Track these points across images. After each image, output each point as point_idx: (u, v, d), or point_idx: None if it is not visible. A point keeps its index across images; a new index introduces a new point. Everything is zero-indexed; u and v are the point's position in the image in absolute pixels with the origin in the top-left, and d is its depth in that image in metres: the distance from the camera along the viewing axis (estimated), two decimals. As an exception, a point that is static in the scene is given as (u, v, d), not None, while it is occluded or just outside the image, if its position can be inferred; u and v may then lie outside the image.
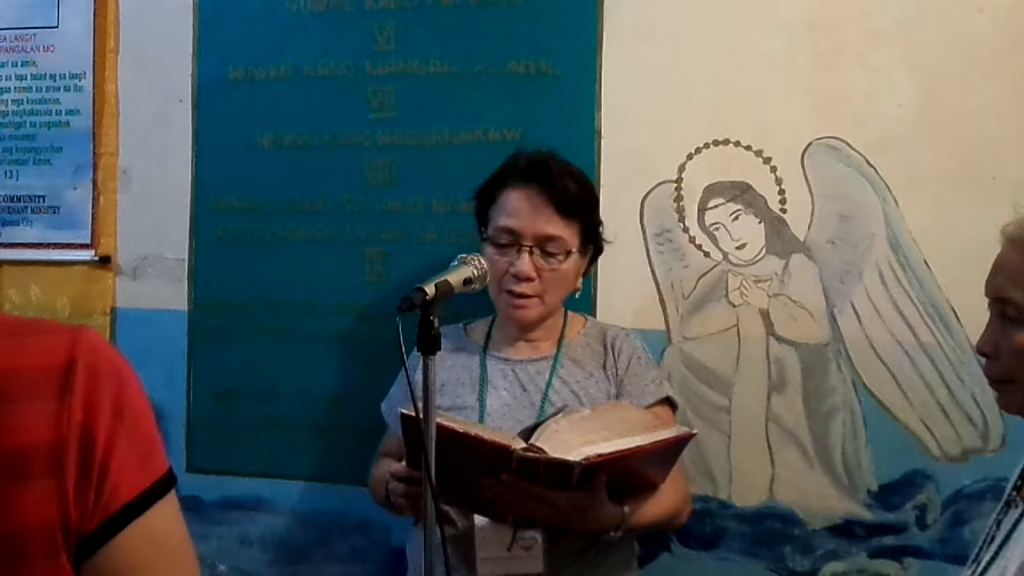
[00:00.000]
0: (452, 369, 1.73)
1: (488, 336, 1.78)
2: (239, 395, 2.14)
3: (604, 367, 1.71)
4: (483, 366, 1.73)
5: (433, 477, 1.29)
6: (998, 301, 1.14)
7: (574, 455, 1.40)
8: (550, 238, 1.64)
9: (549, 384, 1.68)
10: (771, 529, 1.90)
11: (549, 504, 1.46)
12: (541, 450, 1.40)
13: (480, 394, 1.69)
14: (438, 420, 1.45)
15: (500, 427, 1.59)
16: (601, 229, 1.76)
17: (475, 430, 1.46)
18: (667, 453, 1.52)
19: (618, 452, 1.42)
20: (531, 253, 1.64)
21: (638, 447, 1.42)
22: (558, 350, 1.72)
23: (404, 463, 1.57)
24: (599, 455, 1.40)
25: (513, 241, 1.65)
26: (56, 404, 0.76)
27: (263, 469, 2.13)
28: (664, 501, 1.60)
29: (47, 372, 0.77)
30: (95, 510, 0.76)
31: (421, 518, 1.61)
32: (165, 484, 0.81)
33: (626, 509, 1.52)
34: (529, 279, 1.65)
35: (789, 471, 1.89)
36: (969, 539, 1.77)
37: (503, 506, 1.49)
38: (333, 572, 2.11)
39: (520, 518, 1.51)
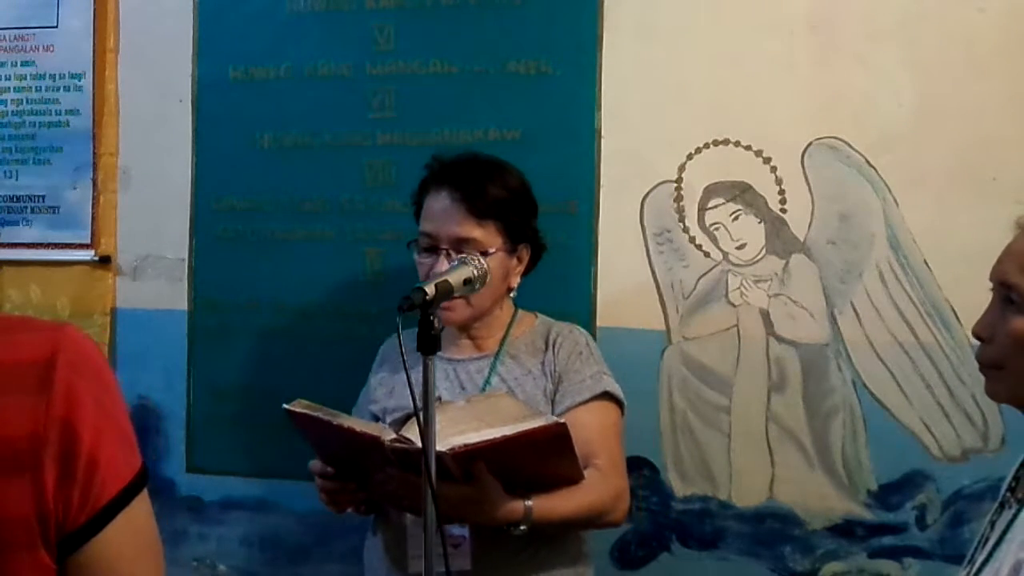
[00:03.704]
0: (403, 372, 1.72)
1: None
2: (239, 395, 2.14)
3: (543, 364, 1.69)
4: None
5: (434, 481, 1.29)
6: (1003, 286, 1.14)
7: (439, 445, 1.38)
8: (463, 240, 1.63)
9: (487, 382, 1.68)
10: (771, 529, 1.90)
11: (440, 497, 1.44)
12: (409, 440, 1.40)
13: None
14: (314, 413, 1.46)
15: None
16: (534, 225, 1.71)
17: (348, 422, 1.47)
18: (549, 444, 1.46)
19: (483, 442, 1.40)
20: (448, 256, 1.62)
21: (503, 437, 1.40)
22: (500, 348, 1.71)
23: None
24: (464, 445, 1.39)
25: (431, 244, 1.65)
26: (35, 398, 0.76)
27: (263, 469, 2.13)
28: (581, 496, 1.54)
29: (28, 367, 0.77)
30: (84, 504, 0.77)
31: (337, 512, 1.62)
32: (143, 478, 0.83)
33: (528, 503, 1.49)
34: None
35: (789, 471, 1.89)
36: (969, 539, 1.77)
37: (407, 500, 1.48)
38: (333, 572, 2.11)
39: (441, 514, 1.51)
